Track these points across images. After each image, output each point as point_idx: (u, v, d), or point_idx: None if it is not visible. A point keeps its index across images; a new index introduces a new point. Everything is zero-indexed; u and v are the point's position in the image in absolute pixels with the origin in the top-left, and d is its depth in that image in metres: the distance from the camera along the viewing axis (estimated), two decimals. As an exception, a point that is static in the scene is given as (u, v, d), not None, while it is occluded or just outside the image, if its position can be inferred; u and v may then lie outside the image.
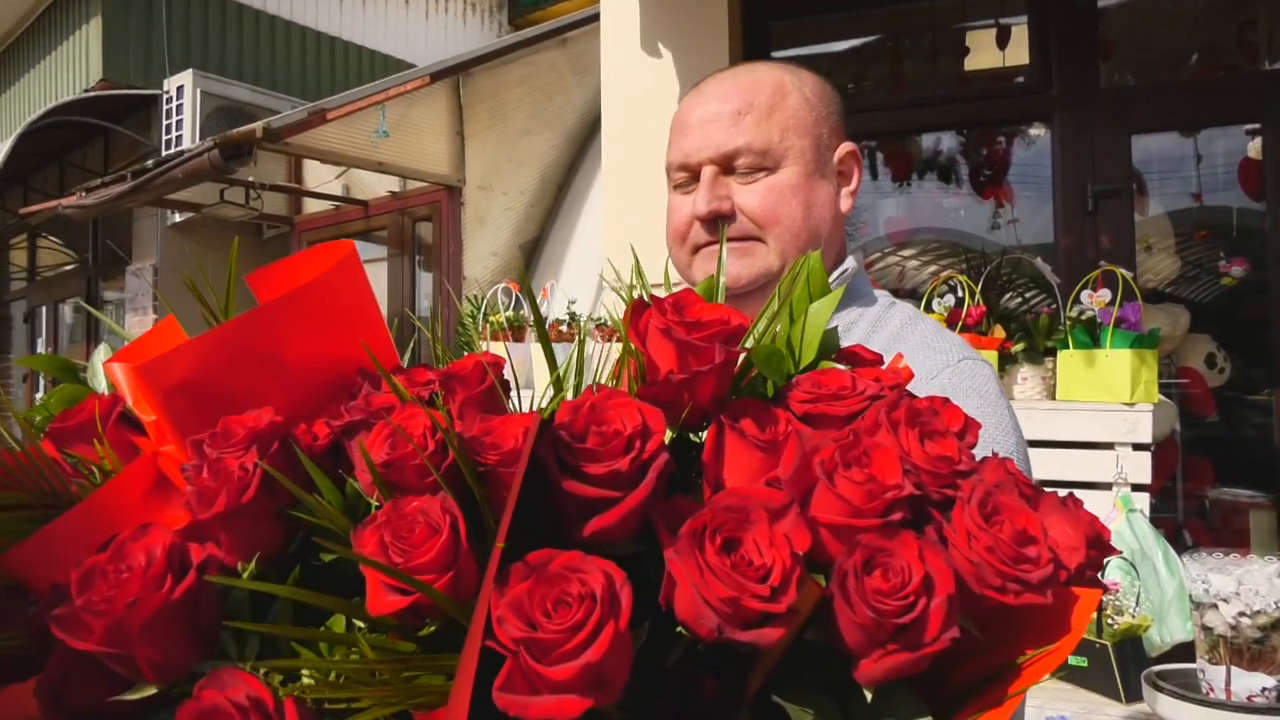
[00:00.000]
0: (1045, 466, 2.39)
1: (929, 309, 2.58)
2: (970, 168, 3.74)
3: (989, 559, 0.38)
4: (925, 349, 0.96)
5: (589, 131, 5.13)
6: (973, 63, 3.60)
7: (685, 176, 1.03)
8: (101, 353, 0.69)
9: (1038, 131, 3.50)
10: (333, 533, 0.45)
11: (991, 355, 2.46)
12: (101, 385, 0.67)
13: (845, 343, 0.53)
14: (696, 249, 1.01)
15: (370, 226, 6.79)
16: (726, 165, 0.99)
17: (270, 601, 0.46)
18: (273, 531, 0.47)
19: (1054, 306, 2.56)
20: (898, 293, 3.76)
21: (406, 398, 0.48)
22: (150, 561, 0.42)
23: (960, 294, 2.58)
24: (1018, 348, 2.50)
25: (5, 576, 0.53)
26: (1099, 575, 0.42)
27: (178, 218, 7.49)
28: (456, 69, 5.17)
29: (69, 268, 10.36)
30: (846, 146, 1.06)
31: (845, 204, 1.05)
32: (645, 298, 0.48)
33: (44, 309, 10.27)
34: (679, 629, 0.38)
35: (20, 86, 9.82)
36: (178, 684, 0.44)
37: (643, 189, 3.52)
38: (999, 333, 2.53)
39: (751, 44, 3.60)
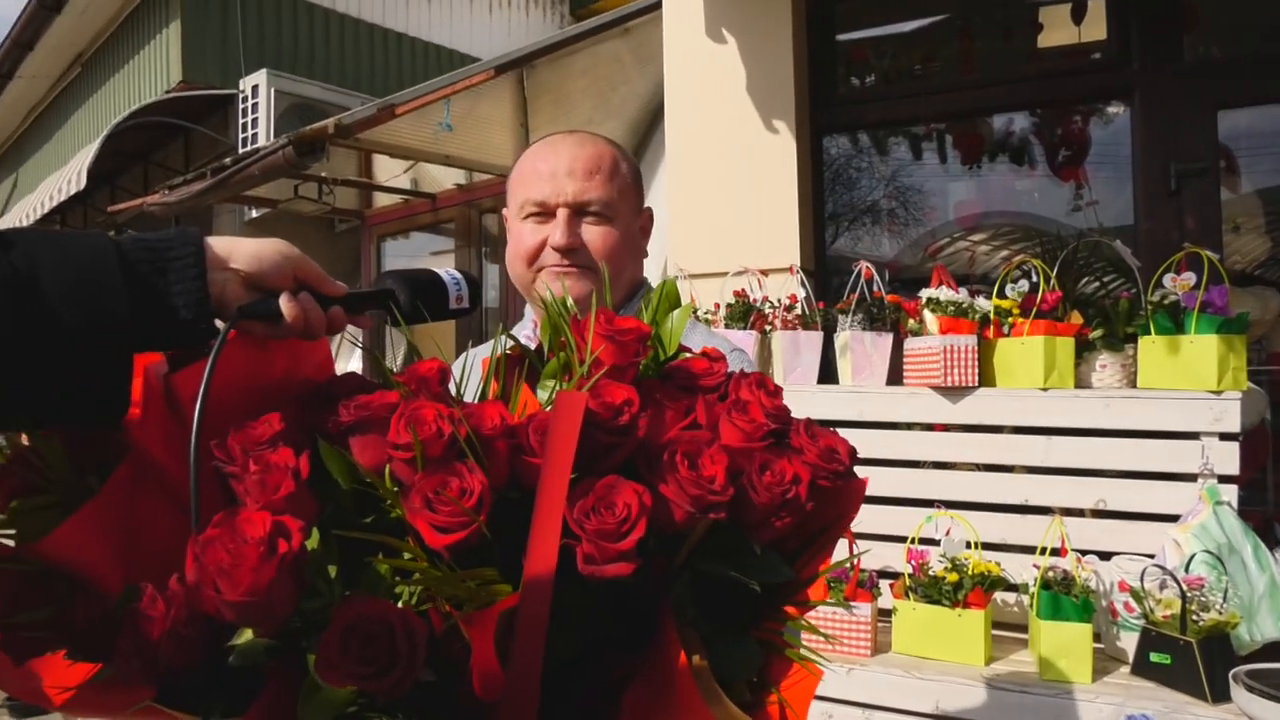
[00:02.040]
0: (1126, 457, 2.32)
1: (1002, 295, 2.51)
2: (1045, 148, 3.62)
3: (819, 461, 0.65)
4: (707, 345, 1.20)
5: (651, 120, 5.12)
6: (1047, 39, 3.48)
7: (539, 212, 1.31)
8: None
9: (1116, 109, 3.37)
10: (348, 507, 0.63)
11: (1068, 342, 2.38)
12: None
13: None
14: (542, 269, 1.31)
15: (438, 219, 6.90)
16: (578, 210, 1.30)
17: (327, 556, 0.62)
18: (312, 506, 0.62)
19: (1134, 291, 2.46)
20: (968, 278, 3.67)
21: (409, 394, 0.65)
22: (264, 532, 0.55)
23: (1035, 279, 2.50)
24: (1096, 334, 2.42)
25: (36, 563, 0.64)
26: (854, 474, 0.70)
27: (254, 213, 7.72)
28: (520, 61, 5.21)
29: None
30: (647, 210, 1.42)
31: (644, 250, 1.43)
32: (578, 315, 0.71)
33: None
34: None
35: (106, 90, 10.22)
36: (279, 628, 0.57)
37: (706, 175, 3.50)
38: (1076, 319, 2.45)
39: (816, 27, 3.54)
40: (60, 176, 9.12)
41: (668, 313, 0.76)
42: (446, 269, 0.85)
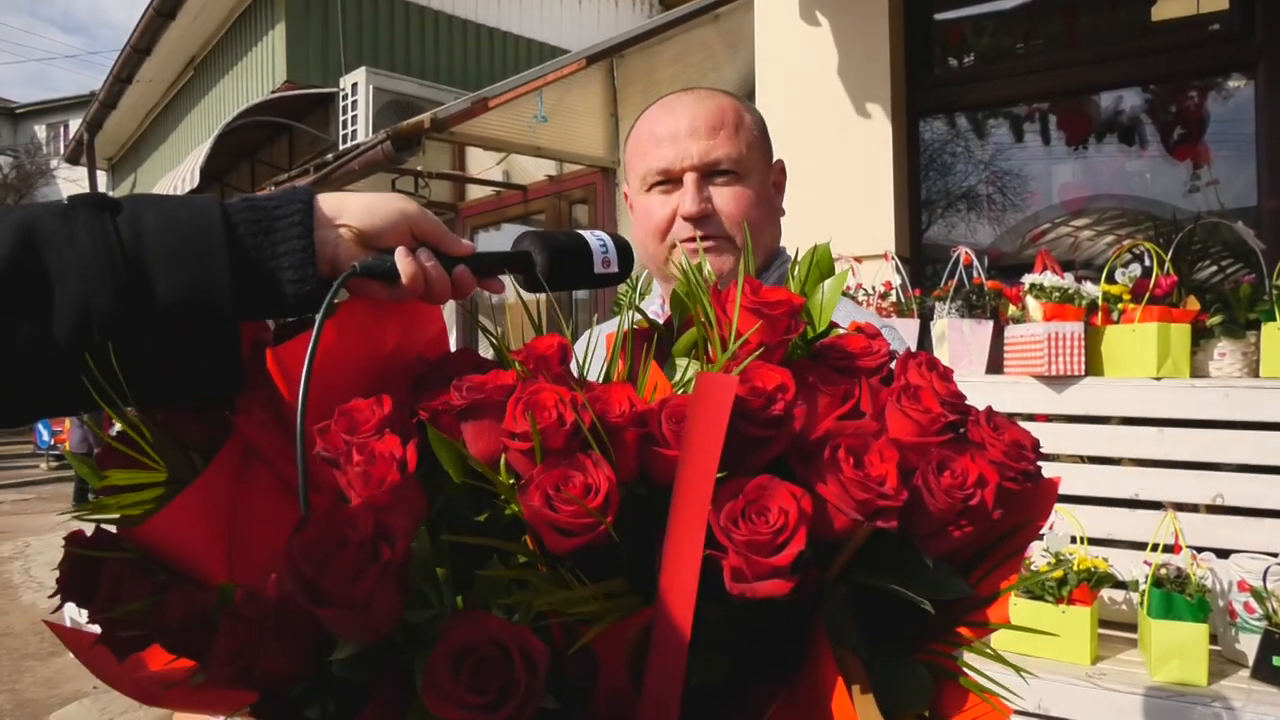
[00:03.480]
0: (1247, 450, 2.19)
1: (1111, 280, 2.41)
2: (1157, 127, 3.44)
3: (1006, 460, 0.54)
4: (855, 320, 1.10)
5: (742, 107, 5.08)
6: (1160, 12, 3.30)
7: (664, 181, 1.19)
8: None
9: (1237, 83, 3.18)
10: (462, 502, 0.56)
11: (1184, 329, 2.27)
12: None
13: None
14: (675, 244, 1.17)
15: (529, 210, 7.00)
16: (707, 173, 1.17)
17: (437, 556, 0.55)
18: (420, 502, 0.54)
19: (1257, 275, 2.33)
20: (1072, 264, 3.53)
21: (527, 375, 0.56)
22: (366, 534, 0.48)
23: (1148, 263, 2.39)
24: (1214, 321, 2.29)
25: (137, 549, 0.60)
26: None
27: (354, 208, 7.96)
28: (611, 51, 5.24)
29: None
30: (779, 163, 1.27)
31: (780, 208, 1.27)
32: (718, 285, 0.61)
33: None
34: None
35: (216, 92, 10.71)
36: (382, 637, 0.50)
37: (798, 161, 3.45)
38: (1193, 304, 2.33)
39: (912, 6, 3.45)
40: (175, 175, 9.61)
41: (818, 282, 0.65)
42: (593, 231, 0.76)
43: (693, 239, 1.16)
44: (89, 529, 0.64)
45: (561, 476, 0.49)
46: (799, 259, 0.67)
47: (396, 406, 0.57)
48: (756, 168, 1.20)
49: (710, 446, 0.48)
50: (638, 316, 0.65)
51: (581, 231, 0.75)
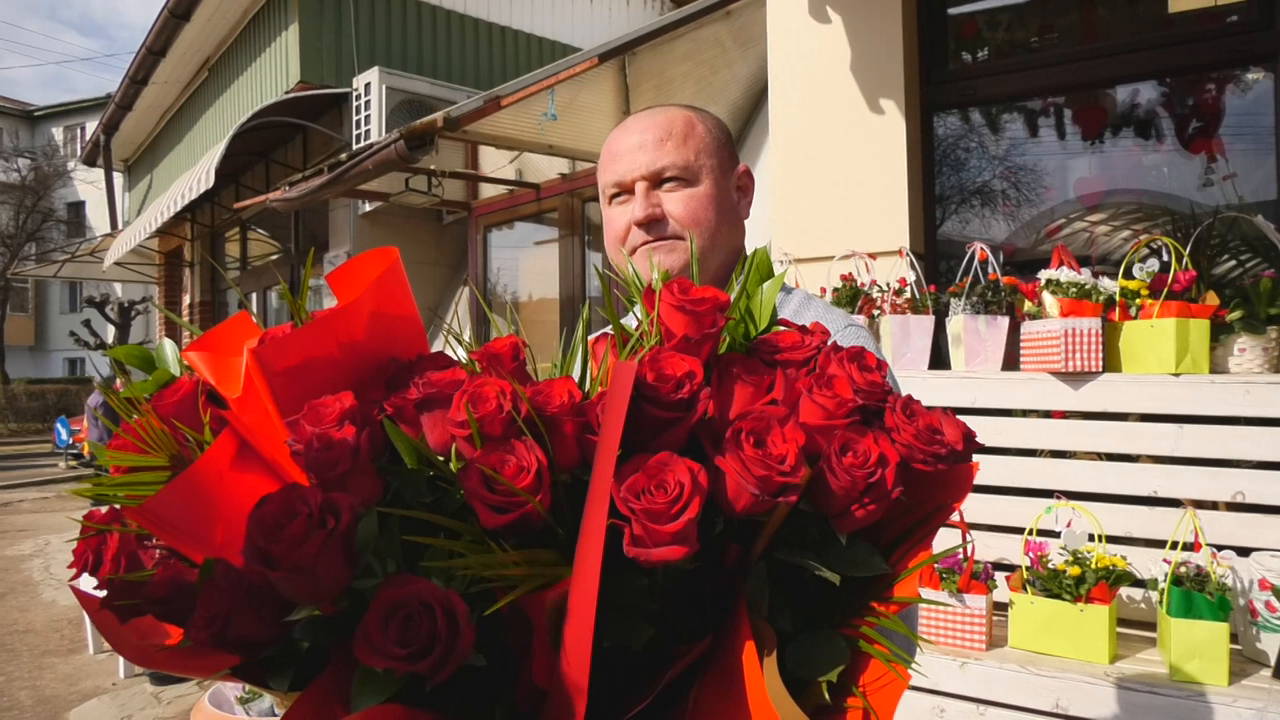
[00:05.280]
0: (1268, 446, 2.17)
1: (1129, 275, 2.38)
2: (1174, 120, 3.40)
3: (915, 442, 0.58)
4: (820, 320, 1.14)
5: (754, 104, 5.06)
6: (1177, 3, 3.27)
7: (620, 193, 1.27)
8: (168, 345, 0.84)
9: (1256, 76, 3.14)
10: (416, 483, 0.61)
11: (1203, 324, 2.25)
12: (174, 369, 0.81)
13: None
14: (633, 249, 1.24)
15: (542, 209, 7.00)
16: (655, 181, 1.23)
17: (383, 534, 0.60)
18: (374, 485, 0.60)
19: (1276, 270, 2.30)
20: (1088, 260, 3.49)
21: (477, 371, 0.63)
22: (314, 507, 0.54)
23: (1165, 258, 2.37)
24: (1234, 316, 2.27)
25: (137, 528, 0.65)
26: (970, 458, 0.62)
27: (368, 207, 8.01)
28: (623, 48, 5.22)
29: (274, 257, 11.30)
30: (742, 167, 1.32)
31: (744, 211, 1.32)
32: (652, 286, 0.67)
33: (254, 295, 11.27)
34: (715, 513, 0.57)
35: (231, 93, 10.76)
36: (335, 604, 0.56)
37: (811, 158, 3.44)
38: (1211, 299, 2.30)
39: (925, 1, 3.43)
40: (190, 176, 9.66)
41: (759, 283, 0.70)
42: None
43: (645, 242, 1.24)
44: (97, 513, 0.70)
45: (497, 459, 0.54)
46: (750, 261, 0.72)
47: (360, 401, 0.62)
48: (708, 172, 1.25)
49: (613, 425, 0.54)
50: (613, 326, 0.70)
51: None
